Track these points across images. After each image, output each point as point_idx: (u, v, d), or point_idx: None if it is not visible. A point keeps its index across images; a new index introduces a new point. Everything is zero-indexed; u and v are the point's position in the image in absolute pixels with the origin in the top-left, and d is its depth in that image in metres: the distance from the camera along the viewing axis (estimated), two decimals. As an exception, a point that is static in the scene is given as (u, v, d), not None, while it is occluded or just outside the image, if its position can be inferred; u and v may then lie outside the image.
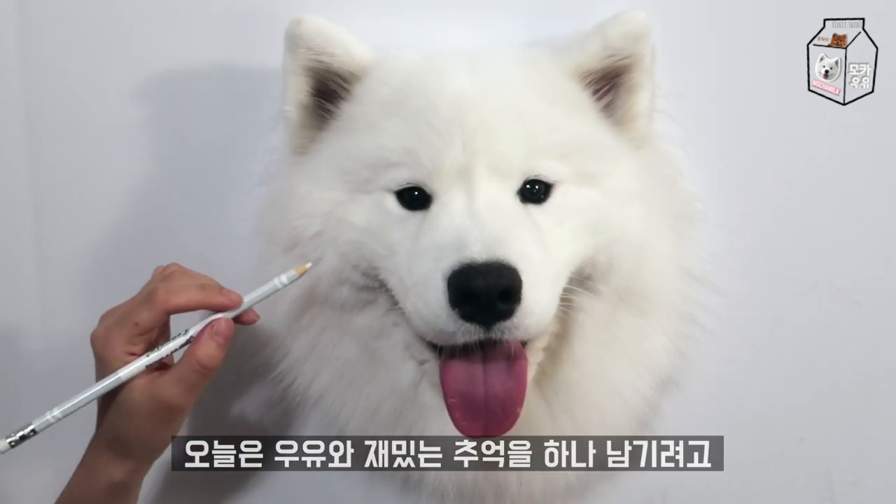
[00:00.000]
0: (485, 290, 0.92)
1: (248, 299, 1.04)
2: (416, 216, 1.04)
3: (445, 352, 1.02)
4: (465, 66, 1.07)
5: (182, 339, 1.02)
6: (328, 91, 1.12)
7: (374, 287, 1.07)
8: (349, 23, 1.11)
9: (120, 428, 1.04)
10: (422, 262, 0.98)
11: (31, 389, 1.31)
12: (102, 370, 1.03)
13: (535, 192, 1.05)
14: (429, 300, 0.95)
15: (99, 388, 1.01)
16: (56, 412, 1.01)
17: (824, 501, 1.26)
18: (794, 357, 1.23)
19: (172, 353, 1.03)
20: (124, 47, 1.25)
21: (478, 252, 0.94)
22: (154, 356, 1.02)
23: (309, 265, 1.04)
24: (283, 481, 1.30)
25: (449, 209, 1.01)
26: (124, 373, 1.01)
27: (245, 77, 1.23)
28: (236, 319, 1.05)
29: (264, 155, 1.20)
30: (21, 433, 1.00)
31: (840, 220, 1.20)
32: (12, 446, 1.00)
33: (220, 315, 1.03)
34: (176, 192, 1.29)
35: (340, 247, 1.07)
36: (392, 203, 1.05)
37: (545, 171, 1.04)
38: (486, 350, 1.00)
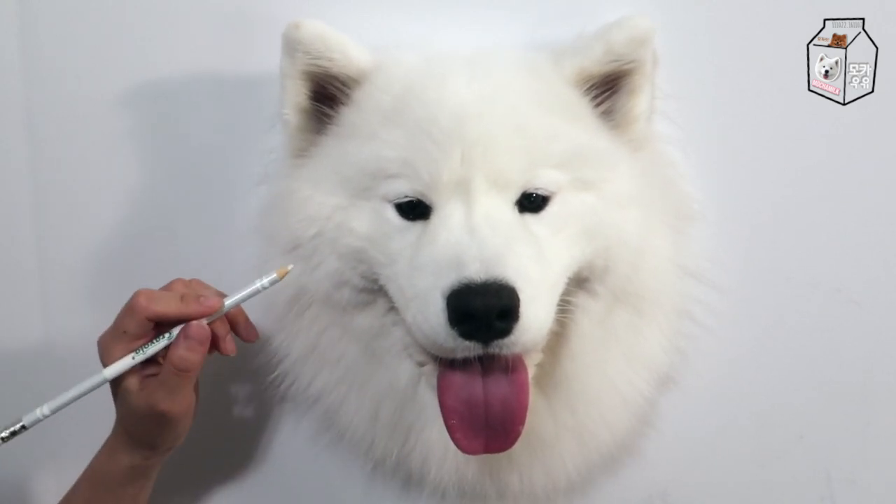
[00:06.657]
0: (483, 311, 0.92)
1: (228, 302, 1.06)
2: (416, 226, 1.03)
3: (444, 360, 1.01)
4: (466, 72, 1.06)
5: (164, 342, 1.04)
6: (327, 95, 1.11)
7: (374, 290, 1.07)
8: (348, 23, 1.10)
9: (124, 425, 1.09)
10: (421, 276, 0.98)
11: (32, 390, 1.31)
12: None
13: (532, 200, 1.04)
14: (428, 316, 0.95)
15: (85, 386, 1.04)
16: (45, 409, 1.03)
17: (824, 500, 1.26)
18: (794, 356, 1.23)
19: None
20: (124, 48, 1.25)
21: (475, 271, 0.93)
22: (139, 357, 1.04)
23: (290, 267, 1.05)
24: (283, 481, 1.30)
25: (447, 223, 1.00)
26: (108, 372, 1.04)
27: (244, 78, 1.23)
28: (237, 334, 1.10)
29: (263, 155, 1.20)
30: (11, 429, 1.02)
31: (840, 220, 1.19)
32: (4, 441, 1.02)
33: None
34: (176, 193, 1.29)
35: (340, 249, 1.06)
36: (391, 213, 1.04)
37: (544, 183, 1.03)
38: (484, 363, 1.00)
